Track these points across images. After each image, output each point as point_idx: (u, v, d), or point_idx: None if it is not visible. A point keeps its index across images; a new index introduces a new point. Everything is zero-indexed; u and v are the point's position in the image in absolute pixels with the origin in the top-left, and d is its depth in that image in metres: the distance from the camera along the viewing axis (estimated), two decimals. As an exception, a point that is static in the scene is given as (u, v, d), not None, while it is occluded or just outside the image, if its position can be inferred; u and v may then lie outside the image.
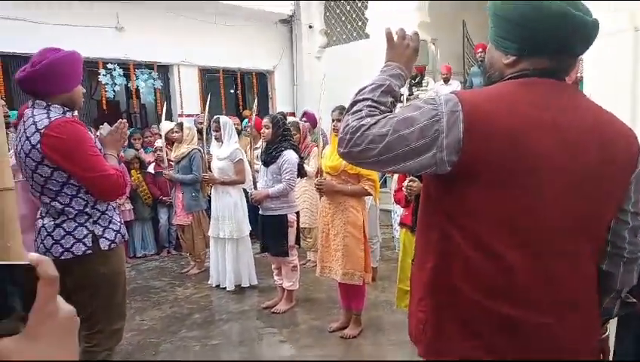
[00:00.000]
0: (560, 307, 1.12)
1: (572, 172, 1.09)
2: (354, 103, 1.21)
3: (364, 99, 1.20)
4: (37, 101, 2.11)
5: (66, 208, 2.13)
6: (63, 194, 2.11)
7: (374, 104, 1.19)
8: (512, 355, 1.11)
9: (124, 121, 2.39)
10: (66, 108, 2.14)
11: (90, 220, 2.17)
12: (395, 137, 1.09)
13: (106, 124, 2.42)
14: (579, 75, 5.40)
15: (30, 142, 2.04)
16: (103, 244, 2.17)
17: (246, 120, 7.11)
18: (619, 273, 1.18)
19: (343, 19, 9.22)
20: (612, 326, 1.42)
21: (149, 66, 8.00)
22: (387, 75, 1.27)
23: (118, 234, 2.26)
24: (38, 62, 2.05)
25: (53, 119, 2.06)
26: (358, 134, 1.12)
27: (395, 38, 1.33)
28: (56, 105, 2.11)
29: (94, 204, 2.18)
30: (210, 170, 4.70)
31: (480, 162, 1.07)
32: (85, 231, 2.15)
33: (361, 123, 1.13)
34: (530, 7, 1.09)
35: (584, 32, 1.10)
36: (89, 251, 2.14)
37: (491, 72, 1.24)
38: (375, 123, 1.12)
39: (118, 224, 2.28)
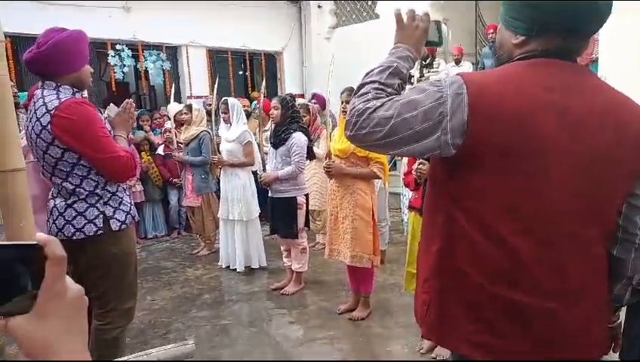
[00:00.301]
0: (566, 292, 1.11)
1: (579, 154, 1.07)
2: (361, 86, 1.21)
3: (371, 82, 1.20)
4: (46, 82, 2.12)
5: (77, 189, 2.15)
6: (73, 175, 2.13)
7: (381, 86, 1.18)
8: (516, 340, 1.11)
9: (131, 100, 2.38)
10: (75, 89, 2.14)
11: (101, 201, 2.19)
12: (399, 120, 1.08)
13: (112, 104, 2.42)
14: (594, 55, 5.28)
15: (41, 123, 2.06)
16: (114, 225, 2.20)
17: (255, 102, 7.09)
18: (630, 259, 1.15)
19: (353, -1, 9.08)
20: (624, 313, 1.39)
21: (158, 47, 7.97)
22: (395, 57, 1.25)
23: (129, 215, 2.28)
24: (44, 43, 2.04)
25: (63, 100, 2.06)
26: (364, 117, 1.11)
27: (405, 19, 1.31)
28: (65, 86, 2.11)
29: (105, 185, 2.20)
30: (219, 152, 4.71)
31: (485, 144, 1.06)
32: (96, 212, 2.17)
33: (367, 106, 1.12)
34: None
35: (596, 11, 1.08)
36: (100, 231, 2.16)
37: (500, 53, 1.22)
38: (381, 105, 1.11)
39: (129, 205, 2.30)
